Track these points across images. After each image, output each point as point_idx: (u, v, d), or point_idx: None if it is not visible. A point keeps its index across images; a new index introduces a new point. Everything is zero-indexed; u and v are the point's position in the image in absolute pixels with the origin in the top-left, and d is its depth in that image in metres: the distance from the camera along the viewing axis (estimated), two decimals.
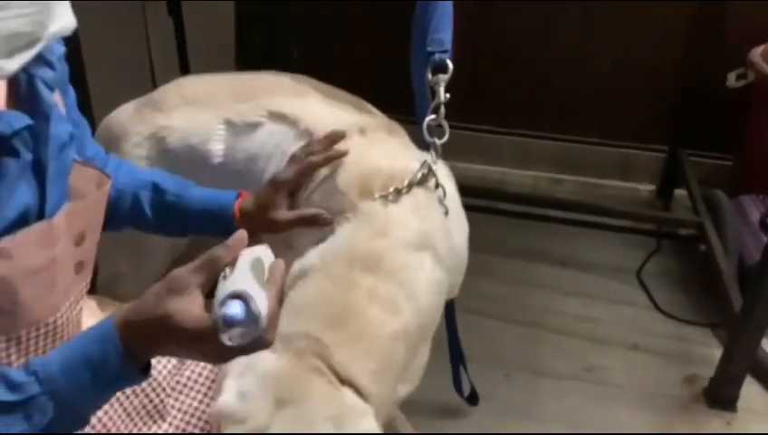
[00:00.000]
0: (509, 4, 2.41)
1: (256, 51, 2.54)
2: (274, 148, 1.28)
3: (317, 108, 1.31)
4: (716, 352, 1.87)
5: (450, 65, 1.28)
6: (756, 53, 2.27)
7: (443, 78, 1.27)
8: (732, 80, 2.31)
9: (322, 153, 1.17)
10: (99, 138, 1.36)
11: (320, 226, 1.12)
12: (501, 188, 2.57)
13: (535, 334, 2.01)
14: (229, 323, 0.70)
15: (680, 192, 2.53)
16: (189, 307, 0.73)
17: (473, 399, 1.77)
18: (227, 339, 0.71)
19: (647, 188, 2.66)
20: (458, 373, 1.75)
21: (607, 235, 2.42)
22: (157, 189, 1.13)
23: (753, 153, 2.35)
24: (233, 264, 0.76)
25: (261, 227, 1.13)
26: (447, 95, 1.24)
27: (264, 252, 0.81)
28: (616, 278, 2.23)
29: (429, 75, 1.29)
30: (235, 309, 0.70)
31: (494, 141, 2.62)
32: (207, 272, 0.75)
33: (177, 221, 1.14)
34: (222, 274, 0.76)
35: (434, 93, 1.26)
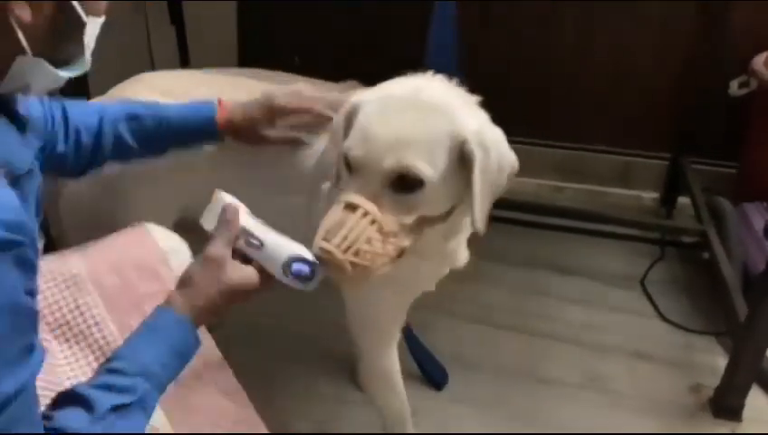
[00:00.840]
0: (510, 11, 2.41)
1: (257, 59, 2.54)
2: None
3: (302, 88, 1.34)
4: (721, 361, 1.86)
5: (458, 81, 1.34)
6: (759, 60, 2.26)
7: None
8: (734, 88, 2.31)
9: (325, 110, 1.26)
10: None
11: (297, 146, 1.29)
12: (503, 196, 2.54)
13: (538, 342, 2.00)
14: (300, 277, 0.99)
15: (683, 200, 2.52)
16: (240, 273, 0.96)
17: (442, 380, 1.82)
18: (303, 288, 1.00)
19: (650, 195, 2.65)
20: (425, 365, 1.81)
21: (610, 243, 2.41)
22: (134, 118, 1.17)
23: (756, 161, 2.34)
24: (237, 229, 0.99)
25: (243, 137, 1.24)
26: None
27: (231, 199, 1.04)
28: (619, 286, 2.22)
29: None
30: (303, 269, 1.00)
31: None
32: (229, 244, 0.97)
33: (160, 143, 1.21)
34: (242, 241, 0.99)
35: None
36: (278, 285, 1.00)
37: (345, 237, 1.00)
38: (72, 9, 0.79)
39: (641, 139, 2.58)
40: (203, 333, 1.02)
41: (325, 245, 1.00)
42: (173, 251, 1.15)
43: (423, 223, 1.11)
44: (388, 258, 1.06)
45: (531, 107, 2.56)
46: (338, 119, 1.17)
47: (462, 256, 1.36)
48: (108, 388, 0.82)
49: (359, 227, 1.02)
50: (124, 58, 1.53)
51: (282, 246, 1.00)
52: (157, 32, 2.14)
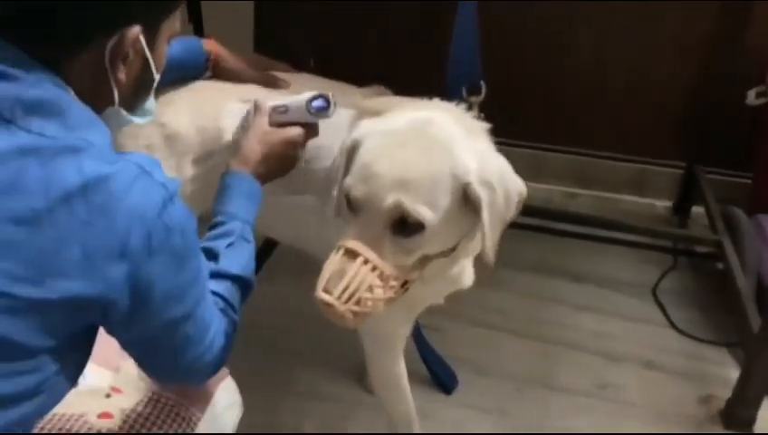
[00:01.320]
0: (523, 17, 2.40)
1: (273, 57, 2.55)
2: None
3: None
4: (733, 373, 1.85)
5: (483, 87, 1.37)
6: None
7: (476, 99, 1.41)
8: (751, 97, 2.29)
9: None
10: None
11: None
12: None
13: (548, 349, 1.99)
14: (321, 109, 1.18)
15: (697, 209, 2.50)
16: (281, 131, 1.19)
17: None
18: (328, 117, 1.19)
19: (663, 204, 2.63)
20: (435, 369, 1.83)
21: (622, 250, 2.40)
22: None
23: None
24: (266, 109, 1.20)
25: (224, 75, 1.40)
26: (482, 115, 1.32)
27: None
28: (631, 295, 2.21)
29: (465, 94, 1.41)
30: (320, 104, 1.18)
31: (509, 154, 2.55)
32: (265, 120, 1.20)
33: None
34: (273, 116, 1.20)
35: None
36: (313, 130, 1.21)
37: (346, 287, 1.02)
38: (150, 69, 0.95)
39: (656, 147, 2.57)
40: None
41: (326, 297, 1.02)
42: None
43: (426, 260, 1.11)
44: (391, 299, 1.08)
45: (546, 113, 2.55)
46: (339, 153, 1.19)
47: (468, 276, 1.36)
48: (215, 237, 1.08)
49: (359, 276, 1.03)
50: None
51: (299, 98, 1.19)
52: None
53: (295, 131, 1.19)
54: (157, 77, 0.97)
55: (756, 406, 1.75)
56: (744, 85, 2.27)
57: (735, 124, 2.36)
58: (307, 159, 1.30)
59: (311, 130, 1.21)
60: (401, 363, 1.49)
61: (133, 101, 0.98)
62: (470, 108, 1.35)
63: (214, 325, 0.97)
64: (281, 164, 1.20)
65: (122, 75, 0.90)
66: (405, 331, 1.46)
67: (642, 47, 2.42)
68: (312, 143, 1.27)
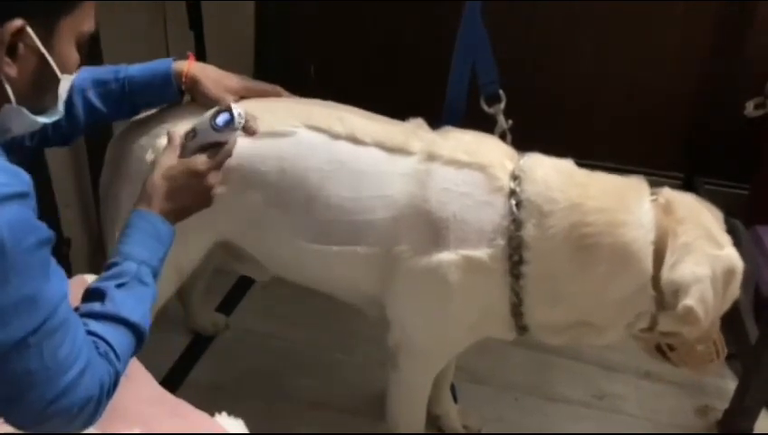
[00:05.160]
0: (523, 27, 2.42)
1: (274, 68, 2.56)
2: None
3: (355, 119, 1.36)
4: (730, 384, 1.85)
5: (503, 95, 1.40)
6: None
7: (499, 107, 1.45)
8: (750, 108, 2.30)
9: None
10: (107, 160, 1.43)
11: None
12: None
13: (546, 359, 1.99)
14: (226, 123, 1.12)
15: None
16: (184, 161, 1.13)
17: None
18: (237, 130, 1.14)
19: None
20: None
21: None
22: (98, 83, 1.27)
23: None
24: (176, 138, 1.15)
25: (202, 97, 1.31)
26: (510, 121, 1.34)
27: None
28: None
29: (485, 106, 1.45)
30: (224, 117, 1.12)
31: None
32: (172, 152, 1.14)
33: (126, 103, 1.30)
34: (186, 134, 1.15)
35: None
36: (224, 150, 1.15)
37: None
38: (50, 67, 0.92)
39: (655, 158, 2.57)
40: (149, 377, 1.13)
41: None
42: None
43: None
44: None
45: (545, 123, 2.55)
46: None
47: None
48: (108, 278, 1.01)
49: None
50: (143, 63, 1.57)
51: (205, 117, 1.14)
52: (175, 37, 2.16)
53: (198, 160, 1.13)
54: (63, 77, 0.94)
55: (753, 417, 1.75)
56: (742, 97, 2.28)
57: (734, 136, 2.37)
58: (361, 210, 1.30)
59: (222, 151, 1.15)
60: (428, 389, 1.51)
61: (36, 100, 0.94)
62: (495, 118, 1.39)
63: (77, 367, 0.87)
64: (189, 196, 1.13)
65: (11, 70, 0.88)
66: (451, 354, 1.49)
67: (642, 59, 2.43)
68: (367, 195, 1.28)
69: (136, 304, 0.99)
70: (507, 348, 2.00)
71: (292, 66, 2.60)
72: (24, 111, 0.93)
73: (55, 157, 1.72)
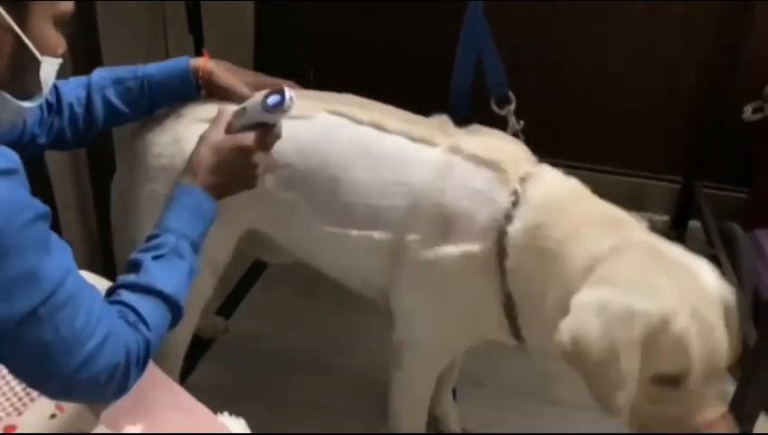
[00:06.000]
0: (522, 31, 2.42)
1: (274, 69, 2.56)
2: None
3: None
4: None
5: (512, 96, 1.40)
6: None
7: (510, 109, 1.43)
8: (748, 112, 2.30)
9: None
10: (122, 159, 1.44)
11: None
12: None
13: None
14: (276, 104, 1.11)
15: (694, 224, 2.51)
16: (236, 137, 1.13)
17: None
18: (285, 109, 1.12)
19: (661, 218, 2.64)
20: None
21: None
22: (119, 82, 1.27)
23: None
24: (227, 115, 1.17)
25: (219, 94, 1.31)
26: (521, 122, 1.34)
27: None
28: None
29: (495, 107, 1.48)
30: (275, 99, 1.11)
31: None
32: (220, 127, 1.15)
33: (146, 101, 1.30)
34: (234, 121, 1.15)
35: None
36: (273, 132, 1.15)
37: None
38: (27, 48, 0.89)
39: (654, 162, 2.58)
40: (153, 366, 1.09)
41: None
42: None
43: None
44: None
45: (544, 127, 2.55)
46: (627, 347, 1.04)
47: None
48: (146, 249, 1.01)
49: None
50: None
51: (256, 97, 1.16)
52: (175, 41, 2.16)
53: (247, 137, 1.13)
54: (43, 59, 0.92)
55: (752, 421, 1.75)
56: (741, 101, 2.29)
57: (733, 139, 2.38)
58: (382, 194, 1.30)
59: (270, 132, 1.15)
60: (431, 389, 1.51)
61: (17, 84, 0.92)
62: (506, 120, 1.39)
63: (97, 337, 0.88)
64: (235, 173, 1.14)
65: None
66: (452, 352, 1.49)
67: (641, 62, 2.44)
68: (390, 179, 1.29)
69: (171, 276, 1.00)
70: (508, 351, 2.00)
71: (292, 67, 2.61)
72: (7, 96, 0.92)
73: (55, 159, 1.72)
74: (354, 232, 1.33)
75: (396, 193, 1.30)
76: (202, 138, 1.15)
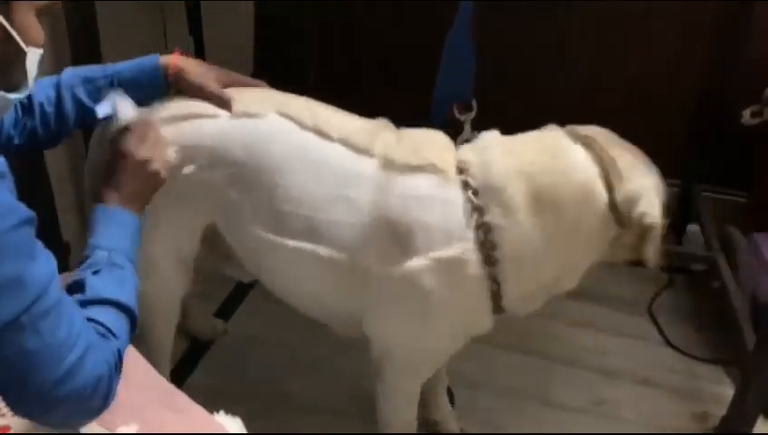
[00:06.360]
0: (521, 33, 2.42)
1: (273, 70, 2.57)
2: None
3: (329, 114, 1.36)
4: (728, 390, 1.85)
5: (474, 105, 1.41)
6: None
7: (469, 116, 1.40)
8: (747, 116, 2.30)
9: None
10: (91, 156, 1.42)
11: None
12: None
13: (544, 365, 1.99)
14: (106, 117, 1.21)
15: (693, 227, 2.51)
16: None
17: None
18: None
19: None
20: None
21: (618, 267, 2.36)
22: (88, 81, 1.27)
23: (767, 190, 2.33)
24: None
25: (189, 92, 1.31)
26: (475, 133, 1.35)
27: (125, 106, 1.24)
28: (626, 311, 2.22)
29: (456, 113, 1.41)
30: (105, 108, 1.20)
31: None
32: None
33: None
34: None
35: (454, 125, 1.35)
36: (137, 128, 1.20)
37: None
38: (12, 39, 0.88)
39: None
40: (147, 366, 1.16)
41: None
42: None
43: None
44: None
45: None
46: None
47: None
48: (82, 270, 1.02)
49: None
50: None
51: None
52: (175, 41, 2.17)
53: (122, 145, 1.18)
54: (29, 50, 0.91)
55: (751, 424, 1.75)
56: (740, 104, 2.29)
57: (732, 143, 2.38)
58: (321, 207, 1.28)
59: (135, 130, 1.20)
60: (417, 395, 1.51)
61: (2, 75, 0.91)
62: (462, 125, 1.40)
63: (79, 348, 0.87)
64: (131, 178, 1.16)
65: None
66: (437, 363, 1.50)
67: (640, 66, 2.44)
68: (329, 192, 1.27)
69: (116, 286, 1.01)
70: (505, 353, 2.01)
71: (292, 68, 2.61)
72: None
73: (54, 162, 1.72)
74: (290, 242, 1.30)
75: (339, 208, 1.28)
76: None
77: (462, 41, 1.50)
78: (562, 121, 2.52)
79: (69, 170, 1.87)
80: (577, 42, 2.44)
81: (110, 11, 1.79)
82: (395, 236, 1.26)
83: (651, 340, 2.11)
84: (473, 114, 1.45)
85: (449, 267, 1.25)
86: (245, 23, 2.63)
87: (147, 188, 1.18)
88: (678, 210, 2.57)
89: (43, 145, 1.30)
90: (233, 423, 1.16)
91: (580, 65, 2.47)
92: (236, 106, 1.31)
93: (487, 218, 1.24)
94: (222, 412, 1.16)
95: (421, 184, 1.27)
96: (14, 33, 0.88)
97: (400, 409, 1.53)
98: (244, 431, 1.17)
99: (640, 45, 2.40)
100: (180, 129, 1.30)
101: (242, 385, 1.85)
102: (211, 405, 1.19)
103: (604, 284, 2.31)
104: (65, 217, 1.83)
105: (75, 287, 0.99)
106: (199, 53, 2.25)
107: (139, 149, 1.18)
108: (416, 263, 1.25)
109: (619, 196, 1.27)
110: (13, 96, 0.94)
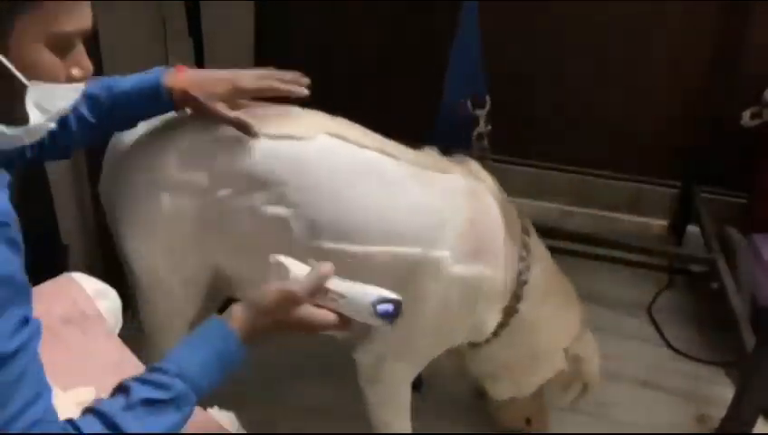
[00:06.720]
0: (523, 36, 2.42)
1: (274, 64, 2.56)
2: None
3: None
4: (728, 392, 1.85)
5: (488, 100, 1.42)
6: None
7: (481, 112, 1.51)
8: (746, 118, 2.31)
9: (290, 84, 1.30)
10: (104, 180, 1.41)
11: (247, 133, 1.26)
12: None
13: None
14: (386, 316, 1.01)
15: (693, 228, 2.51)
16: (316, 312, 1.01)
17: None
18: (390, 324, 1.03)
19: (659, 223, 2.64)
20: None
21: (618, 269, 2.40)
22: (90, 98, 1.21)
23: (767, 192, 2.33)
24: (323, 287, 1.02)
25: (197, 110, 1.26)
26: (488, 126, 1.37)
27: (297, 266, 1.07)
28: (626, 313, 2.22)
29: (470, 108, 1.52)
30: (388, 308, 1.01)
31: (506, 172, 2.61)
32: (313, 293, 1.00)
33: (118, 116, 1.24)
34: (329, 296, 1.02)
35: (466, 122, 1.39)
36: (358, 325, 1.04)
37: None
38: (9, 72, 0.83)
39: (652, 166, 2.58)
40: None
41: None
42: (100, 294, 1.22)
43: None
44: None
45: (544, 132, 2.57)
46: None
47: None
48: (145, 382, 0.88)
49: None
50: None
51: (364, 293, 1.03)
52: (175, 44, 2.16)
53: (328, 319, 1.02)
54: (29, 83, 0.85)
55: (751, 425, 1.75)
56: (740, 105, 2.29)
57: (732, 144, 2.38)
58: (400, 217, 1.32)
59: (345, 323, 1.04)
60: (409, 394, 1.54)
61: (2, 110, 0.86)
62: (476, 121, 1.41)
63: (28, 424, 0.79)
64: (280, 319, 1.01)
65: None
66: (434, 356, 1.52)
67: (640, 67, 2.44)
68: (405, 199, 1.32)
69: (152, 427, 0.87)
70: None
71: (293, 67, 2.60)
72: None
73: (54, 165, 1.72)
74: (374, 248, 1.30)
75: (420, 213, 1.32)
76: (282, 291, 0.99)
77: (470, 38, 1.51)
78: (563, 120, 2.54)
79: (68, 173, 1.87)
80: (577, 44, 2.44)
81: (110, 11, 1.78)
82: (468, 241, 1.34)
83: (651, 341, 2.12)
84: (486, 109, 1.47)
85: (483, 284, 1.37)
86: (245, 23, 2.62)
87: (281, 331, 1.03)
88: (678, 211, 2.57)
89: (54, 157, 1.27)
90: (226, 418, 1.16)
91: (580, 69, 2.47)
92: (280, 128, 1.28)
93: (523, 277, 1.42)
94: (216, 407, 1.16)
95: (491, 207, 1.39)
96: (10, 66, 0.83)
97: (400, 409, 1.55)
98: (237, 425, 1.17)
99: (640, 48, 2.41)
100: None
101: (243, 386, 1.84)
102: (211, 404, 1.19)
103: (604, 285, 2.32)
104: (64, 221, 1.82)
105: (120, 391, 0.88)
106: (199, 53, 2.24)
107: (331, 324, 1.02)
108: (474, 269, 1.35)
109: None
110: (9, 131, 0.87)
